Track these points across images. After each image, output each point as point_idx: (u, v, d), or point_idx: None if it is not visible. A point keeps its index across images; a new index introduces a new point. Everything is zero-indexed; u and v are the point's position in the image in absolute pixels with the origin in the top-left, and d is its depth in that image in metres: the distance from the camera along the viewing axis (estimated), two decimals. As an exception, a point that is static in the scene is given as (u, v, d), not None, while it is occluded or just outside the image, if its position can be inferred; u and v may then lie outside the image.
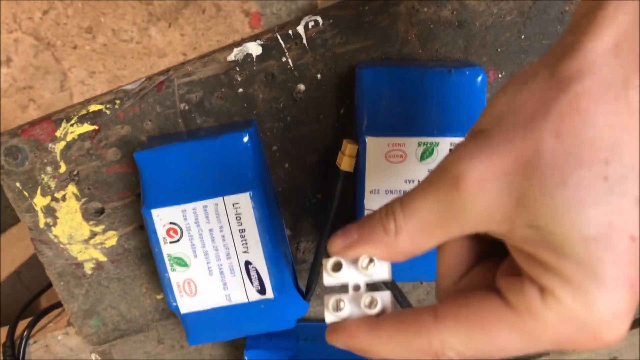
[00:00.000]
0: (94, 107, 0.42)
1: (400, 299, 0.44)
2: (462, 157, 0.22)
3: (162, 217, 0.39)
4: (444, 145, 0.38)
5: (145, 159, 0.39)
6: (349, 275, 0.26)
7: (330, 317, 0.26)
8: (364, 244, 0.25)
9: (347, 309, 0.26)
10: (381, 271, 0.26)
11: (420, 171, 0.38)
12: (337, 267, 0.26)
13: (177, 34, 1.17)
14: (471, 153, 0.22)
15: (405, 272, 0.41)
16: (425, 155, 0.38)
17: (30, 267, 0.85)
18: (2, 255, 0.87)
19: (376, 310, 0.26)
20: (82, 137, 0.43)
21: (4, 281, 0.81)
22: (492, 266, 0.25)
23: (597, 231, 0.20)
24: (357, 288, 0.26)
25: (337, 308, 0.26)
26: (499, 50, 0.42)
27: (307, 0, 1.12)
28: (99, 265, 0.46)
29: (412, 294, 0.47)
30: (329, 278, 0.26)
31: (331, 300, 0.26)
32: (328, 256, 0.26)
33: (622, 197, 0.20)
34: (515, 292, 0.22)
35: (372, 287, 0.27)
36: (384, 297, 0.26)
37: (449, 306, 0.24)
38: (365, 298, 0.26)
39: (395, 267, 0.41)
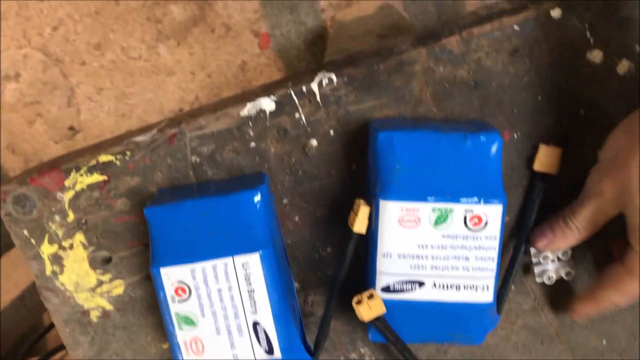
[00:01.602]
0: (104, 158, 0.42)
1: (407, 355, 0.43)
2: (599, 180, 0.38)
3: (170, 276, 0.38)
4: (459, 211, 0.37)
5: (156, 216, 0.39)
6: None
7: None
8: (559, 241, 0.41)
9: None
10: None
11: (434, 236, 0.38)
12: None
13: (185, 52, 1.17)
14: (599, 178, 0.38)
15: (415, 334, 0.41)
16: (440, 220, 0.37)
17: (34, 291, 0.84)
18: (3, 278, 0.86)
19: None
20: (91, 187, 0.42)
21: (8, 305, 0.80)
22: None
23: None
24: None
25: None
26: (514, 110, 0.41)
27: (316, 23, 1.12)
28: (105, 314, 0.45)
29: (421, 350, 0.46)
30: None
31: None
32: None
33: None
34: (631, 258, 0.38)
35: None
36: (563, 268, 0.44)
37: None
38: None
39: (405, 331, 0.41)
